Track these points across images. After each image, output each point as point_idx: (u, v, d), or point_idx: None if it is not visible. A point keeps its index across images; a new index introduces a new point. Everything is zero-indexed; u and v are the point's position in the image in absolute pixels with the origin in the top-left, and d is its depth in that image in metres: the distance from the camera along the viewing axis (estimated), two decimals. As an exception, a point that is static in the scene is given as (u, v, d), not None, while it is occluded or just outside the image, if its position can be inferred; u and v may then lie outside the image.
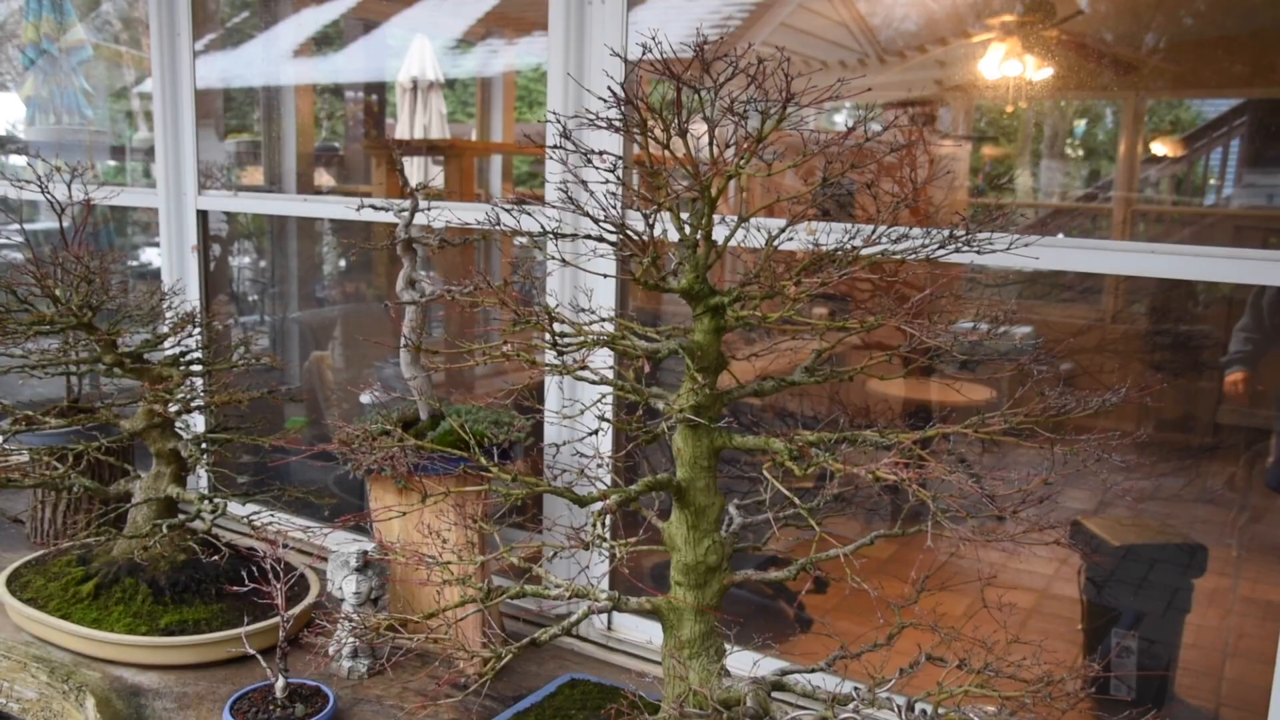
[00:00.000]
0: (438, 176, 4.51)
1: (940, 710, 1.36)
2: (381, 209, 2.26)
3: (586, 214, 1.48)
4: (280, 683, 1.96)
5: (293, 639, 2.25)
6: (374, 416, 2.25)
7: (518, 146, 5.79)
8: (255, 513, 2.36)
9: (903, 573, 1.63)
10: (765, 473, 1.49)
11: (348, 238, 3.60)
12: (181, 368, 2.31)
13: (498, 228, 1.59)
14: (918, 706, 1.37)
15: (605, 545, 1.56)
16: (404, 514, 2.13)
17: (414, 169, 4.70)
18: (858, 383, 1.67)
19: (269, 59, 4.21)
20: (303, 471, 3.36)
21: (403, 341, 2.19)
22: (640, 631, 2.42)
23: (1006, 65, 3.73)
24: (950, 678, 1.42)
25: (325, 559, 2.66)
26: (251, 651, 2.02)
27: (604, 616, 2.44)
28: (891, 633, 1.55)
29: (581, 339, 1.53)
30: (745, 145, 1.35)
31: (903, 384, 3.28)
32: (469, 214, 2.27)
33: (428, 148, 4.86)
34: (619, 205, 1.51)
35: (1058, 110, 4.49)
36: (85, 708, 2.08)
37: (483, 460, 1.62)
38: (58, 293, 2.14)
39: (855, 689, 1.46)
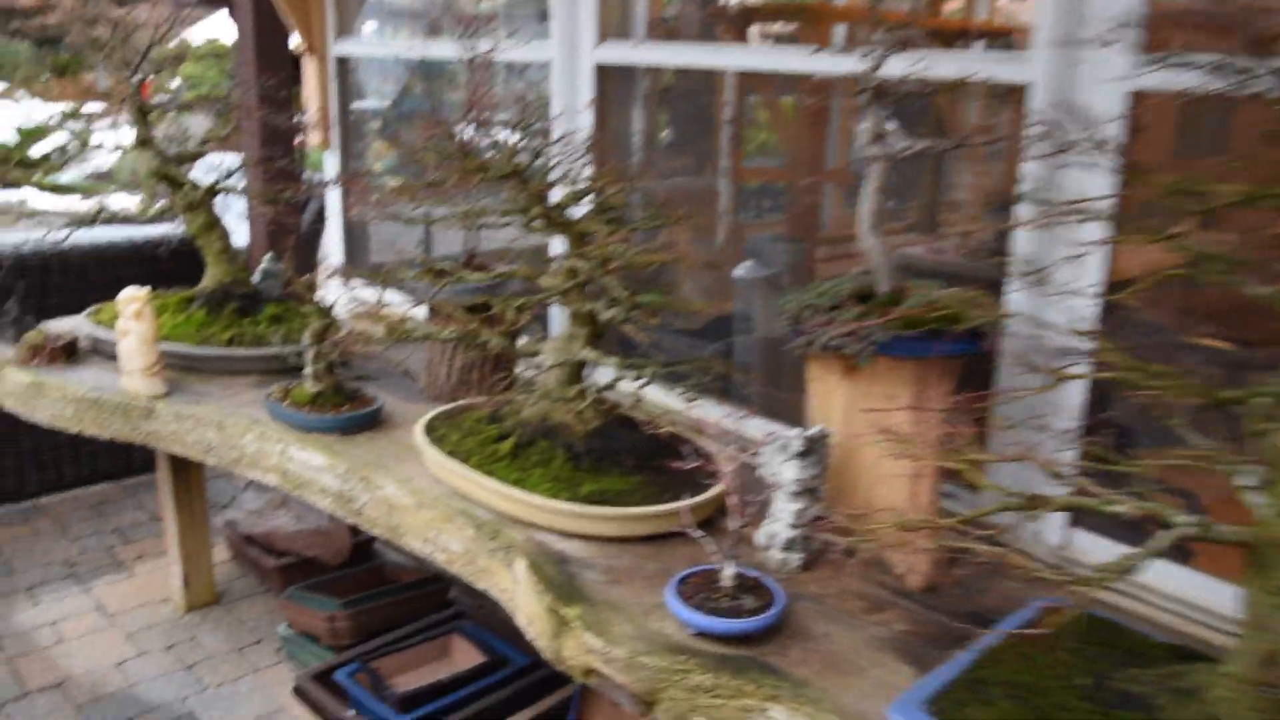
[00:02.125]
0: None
1: None
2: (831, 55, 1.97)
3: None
4: (729, 570, 1.80)
5: (704, 522, 2.10)
6: (821, 289, 2.01)
7: None
8: (656, 388, 2.20)
9: None
10: None
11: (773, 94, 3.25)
12: (609, 225, 2.15)
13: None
14: None
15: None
16: (879, 409, 1.89)
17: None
18: None
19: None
20: (673, 345, 3.22)
21: (866, 204, 1.91)
22: (1100, 551, 2.08)
23: None
24: None
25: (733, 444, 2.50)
26: (697, 533, 1.87)
27: (1060, 530, 2.12)
28: None
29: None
30: None
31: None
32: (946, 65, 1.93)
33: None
34: None
35: None
36: (514, 568, 2.02)
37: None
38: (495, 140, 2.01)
39: None
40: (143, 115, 3.00)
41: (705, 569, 1.88)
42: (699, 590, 1.81)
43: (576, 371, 2.33)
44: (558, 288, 2.24)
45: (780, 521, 2.01)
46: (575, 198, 2.15)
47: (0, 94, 9.41)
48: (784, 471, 1.99)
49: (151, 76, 3.02)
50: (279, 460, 2.55)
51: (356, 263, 3.90)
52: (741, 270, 3.24)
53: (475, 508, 2.20)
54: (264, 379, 2.97)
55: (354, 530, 3.81)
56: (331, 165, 3.90)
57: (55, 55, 9.54)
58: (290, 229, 3.97)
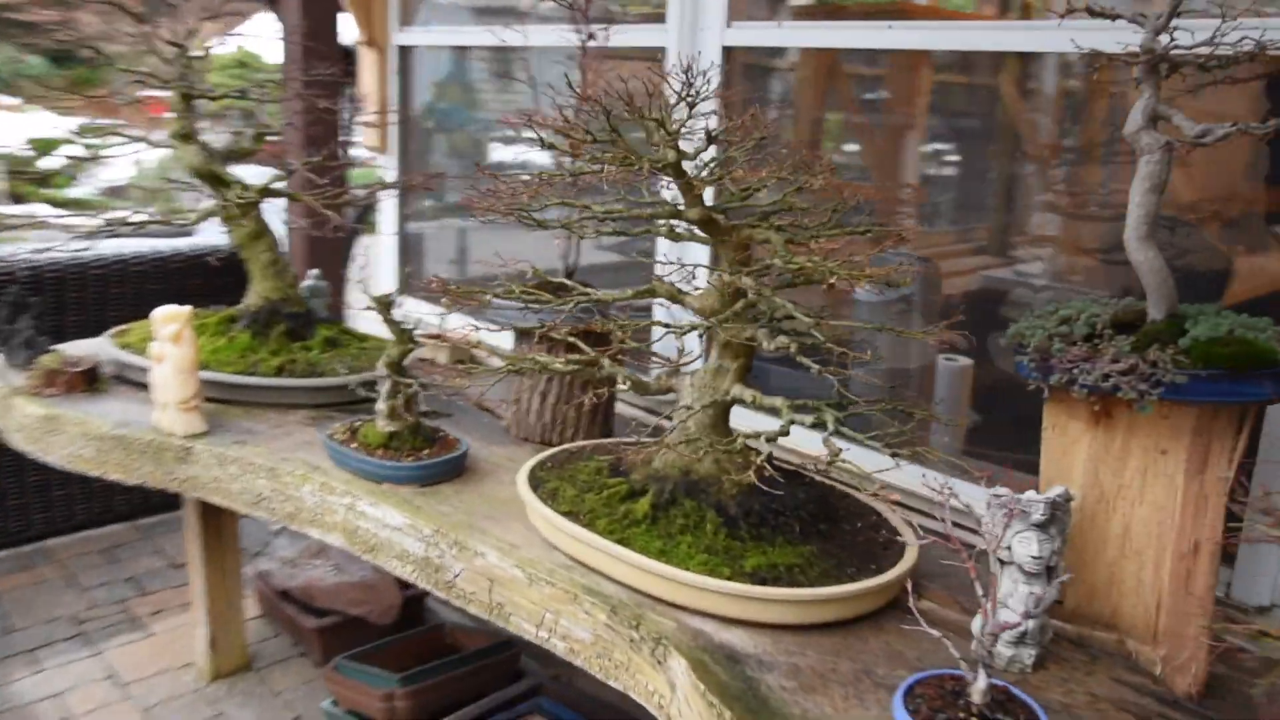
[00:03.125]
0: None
1: None
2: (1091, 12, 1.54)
3: None
4: (981, 683, 1.35)
5: (890, 604, 1.66)
6: (1060, 313, 1.57)
7: None
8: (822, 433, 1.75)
9: None
10: None
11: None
12: (777, 230, 1.72)
13: None
14: None
15: None
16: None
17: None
18: None
19: None
20: (790, 379, 2.78)
21: (1136, 208, 1.48)
22: None
23: None
24: None
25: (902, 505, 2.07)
26: (934, 632, 1.43)
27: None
28: None
29: None
30: None
31: None
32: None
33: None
34: None
35: None
36: (670, 668, 1.57)
37: None
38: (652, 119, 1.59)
39: None
40: (186, 103, 2.58)
41: (935, 676, 1.43)
42: (937, 709, 1.37)
43: (724, 414, 1.89)
44: (706, 307, 1.81)
45: (1010, 609, 1.57)
46: (742, 195, 1.72)
47: (12, 107, 9.04)
48: (1018, 546, 1.55)
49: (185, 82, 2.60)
50: (346, 517, 2.11)
51: (410, 279, 3.48)
52: (862, 294, 2.81)
53: (604, 583, 1.75)
54: (319, 415, 2.53)
55: (403, 583, 3.36)
56: (389, 167, 3.48)
57: (69, 67, 9.19)
58: (338, 241, 3.56)
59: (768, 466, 1.58)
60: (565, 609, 1.75)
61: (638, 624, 1.65)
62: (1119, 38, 1.51)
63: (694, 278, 1.96)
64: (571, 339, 2.01)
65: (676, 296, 1.82)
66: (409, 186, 2.77)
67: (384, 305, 2.13)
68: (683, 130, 1.58)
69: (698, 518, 1.78)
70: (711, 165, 1.64)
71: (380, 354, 2.75)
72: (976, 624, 1.60)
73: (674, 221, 1.81)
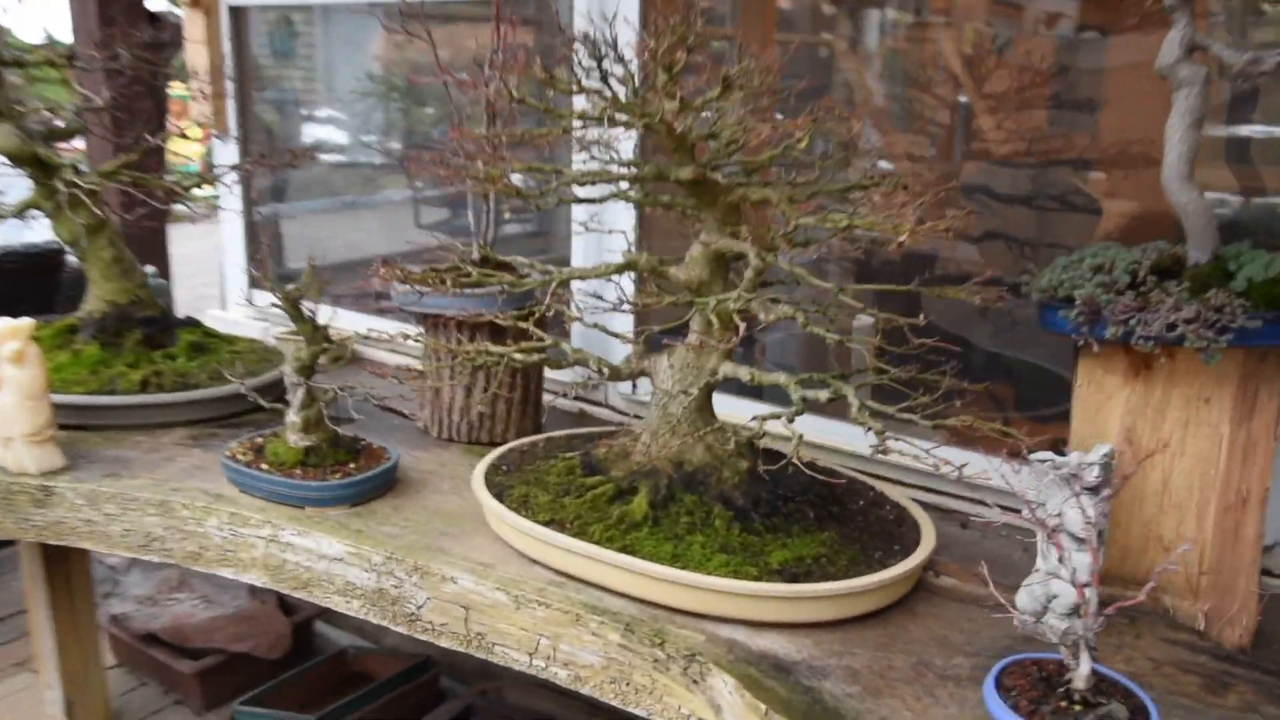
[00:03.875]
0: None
1: None
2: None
3: None
4: (1085, 667, 1.24)
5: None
6: (1092, 260, 1.48)
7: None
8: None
9: None
10: None
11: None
12: (788, 190, 1.54)
13: None
14: None
15: None
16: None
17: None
18: None
19: None
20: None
21: (1175, 146, 1.39)
22: None
23: None
24: None
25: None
26: (1025, 619, 1.31)
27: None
28: None
29: None
30: None
31: None
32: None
33: None
34: None
35: None
36: (711, 687, 1.39)
37: None
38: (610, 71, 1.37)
39: None
40: (-3, 72, 2.13)
41: (1016, 662, 1.32)
42: (1038, 700, 1.25)
43: (708, 396, 1.71)
44: (691, 278, 1.61)
45: (1063, 578, 1.47)
46: (729, 152, 1.53)
47: None
48: (1070, 512, 1.45)
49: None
50: (267, 551, 1.79)
51: (264, 270, 3.08)
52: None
53: (608, 599, 1.55)
54: (201, 433, 2.18)
55: (287, 608, 3.01)
56: (226, 149, 3.07)
57: None
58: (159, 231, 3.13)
59: (799, 452, 1.40)
60: (565, 632, 1.53)
61: (661, 641, 1.45)
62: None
63: (632, 245, 1.77)
64: (524, 325, 1.77)
65: (659, 270, 1.62)
66: (254, 165, 2.39)
67: (291, 300, 1.82)
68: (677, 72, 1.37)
69: (704, 513, 1.59)
70: (715, 116, 1.44)
71: (258, 356, 2.41)
72: (1025, 598, 1.50)
73: (626, 185, 1.59)
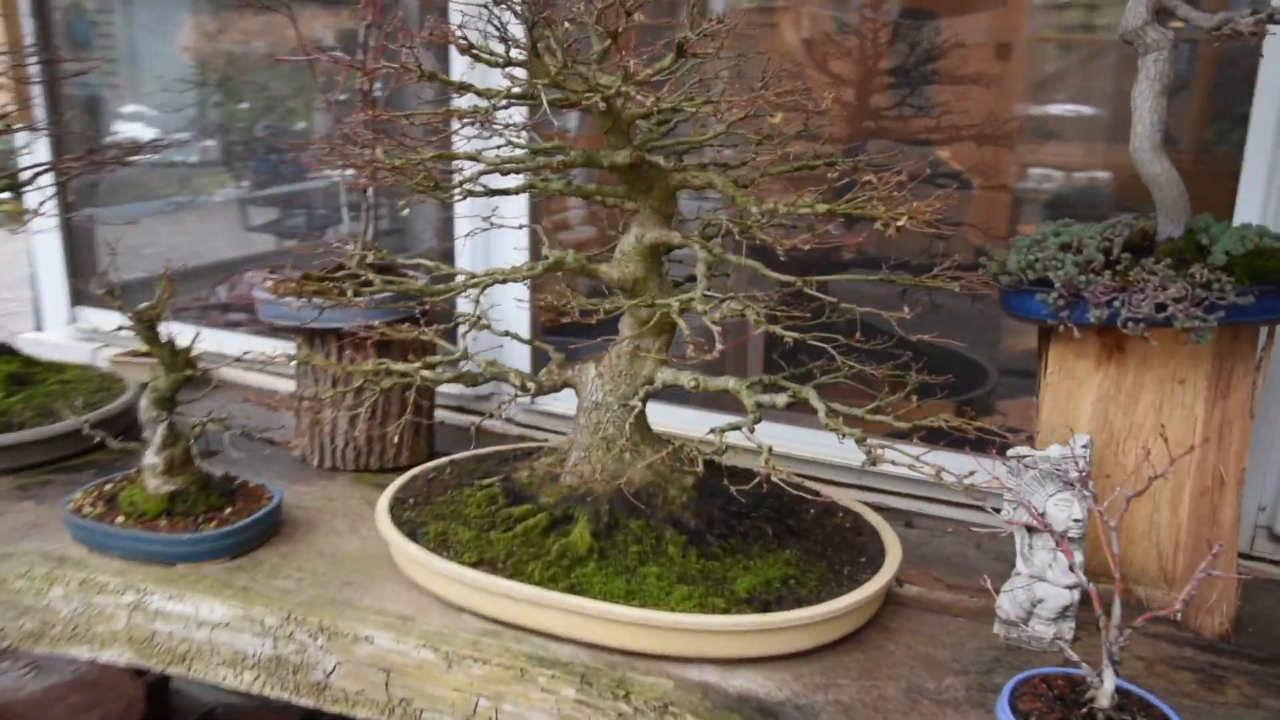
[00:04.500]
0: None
1: None
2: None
3: None
4: (1109, 684, 1.13)
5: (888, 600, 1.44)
6: (1059, 238, 1.38)
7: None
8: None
9: None
10: None
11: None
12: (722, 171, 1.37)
13: None
14: None
15: None
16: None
17: None
18: None
19: None
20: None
21: (1144, 115, 1.30)
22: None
23: None
24: None
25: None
26: (1038, 636, 1.18)
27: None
28: None
29: None
30: None
31: None
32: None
33: None
34: None
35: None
36: (691, 743, 1.22)
37: None
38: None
39: None
40: None
41: (1025, 680, 1.20)
42: (1040, 713, 1.13)
43: (644, 407, 1.53)
44: (624, 278, 1.43)
45: (1051, 580, 1.37)
46: (663, 131, 1.35)
47: None
48: (1054, 510, 1.35)
49: None
50: (132, 621, 1.51)
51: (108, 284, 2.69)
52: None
53: (554, 646, 1.35)
54: (29, 482, 1.85)
55: (138, 668, 2.65)
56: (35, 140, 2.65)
57: None
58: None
59: (778, 466, 1.24)
60: (508, 690, 1.32)
61: (626, 693, 1.27)
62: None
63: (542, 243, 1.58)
64: (425, 336, 1.55)
65: (588, 269, 1.42)
66: (76, 164, 2.03)
67: (146, 322, 1.53)
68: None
69: (654, 540, 1.42)
70: (670, 95, 1.26)
71: (95, 385, 2.09)
72: (1007, 604, 1.40)
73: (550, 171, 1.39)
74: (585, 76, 1.21)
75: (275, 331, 2.04)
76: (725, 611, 1.31)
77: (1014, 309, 1.40)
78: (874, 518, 1.60)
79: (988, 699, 1.27)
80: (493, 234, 2.04)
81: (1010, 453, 1.37)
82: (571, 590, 1.34)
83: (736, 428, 1.36)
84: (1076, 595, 1.36)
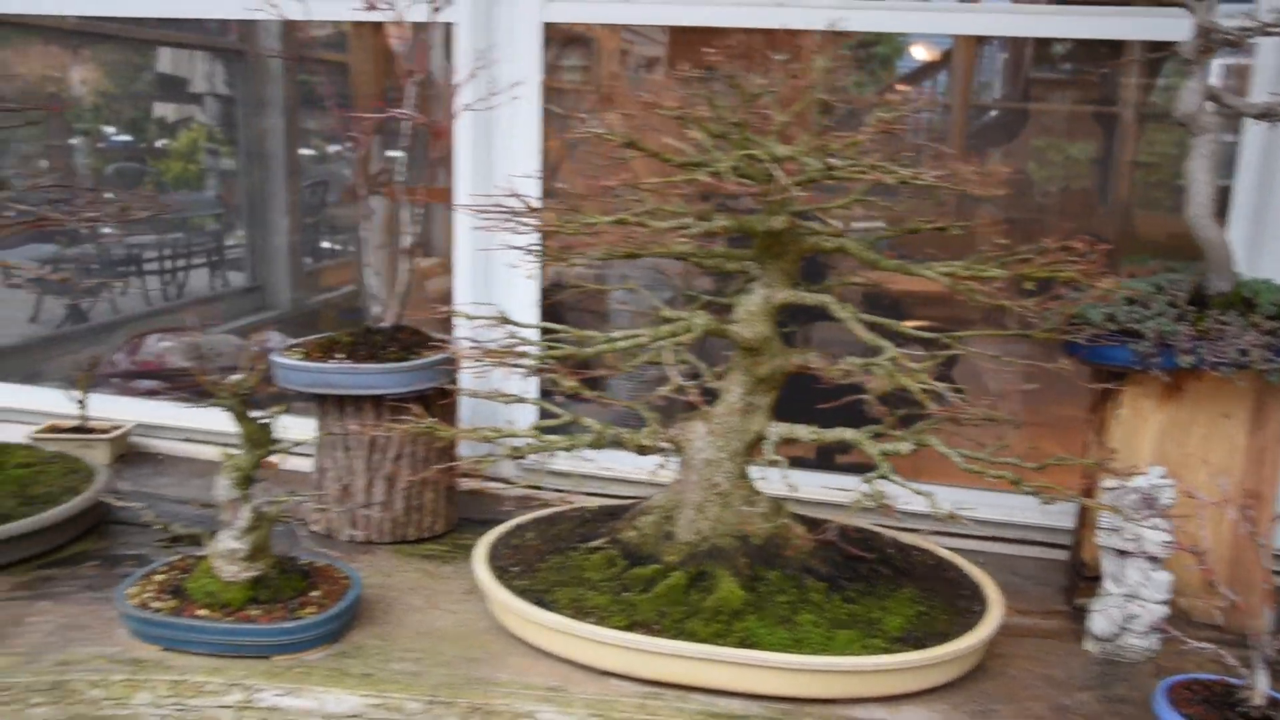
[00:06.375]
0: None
1: None
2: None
3: None
4: (1262, 684, 1.30)
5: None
6: (1128, 294, 1.57)
7: None
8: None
9: None
10: None
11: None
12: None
13: None
14: None
15: None
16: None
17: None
18: None
19: None
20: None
21: (1199, 186, 1.52)
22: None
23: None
24: None
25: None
26: (1143, 650, 1.33)
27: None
28: None
29: None
30: None
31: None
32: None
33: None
34: None
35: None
36: (894, 780, 1.28)
37: None
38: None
39: None
40: None
41: (1183, 683, 1.34)
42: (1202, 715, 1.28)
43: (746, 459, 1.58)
44: (747, 336, 1.48)
45: (1145, 598, 1.53)
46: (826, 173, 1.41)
47: None
48: (1148, 534, 1.52)
49: None
50: (238, 722, 1.37)
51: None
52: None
53: (722, 702, 1.37)
54: (24, 579, 1.63)
55: None
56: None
57: None
58: None
59: (773, 513, 1.33)
60: (690, 751, 1.32)
61: (812, 739, 1.31)
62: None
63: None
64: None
65: (719, 329, 1.46)
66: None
67: (239, 398, 1.41)
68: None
69: (795, 589, 1.46)
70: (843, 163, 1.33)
71: (63, 467, 1.88)
72: (1102, 622, 1.55)
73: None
74: (767, 147, 1.27)
75: (284, 398, 1.91)
76: (886, 651, 1.38)
77: (1097, 358, 1.57)
78: (945, 552, 1.72)
79: (1122, 709, 1.40)
80: (493, 263, 2.03)
81: (1108, 484, 1.53)
82: (741, 644, 1.36)
83: (870, 482, 1.43)
84: (1164, 611, 1.54)
